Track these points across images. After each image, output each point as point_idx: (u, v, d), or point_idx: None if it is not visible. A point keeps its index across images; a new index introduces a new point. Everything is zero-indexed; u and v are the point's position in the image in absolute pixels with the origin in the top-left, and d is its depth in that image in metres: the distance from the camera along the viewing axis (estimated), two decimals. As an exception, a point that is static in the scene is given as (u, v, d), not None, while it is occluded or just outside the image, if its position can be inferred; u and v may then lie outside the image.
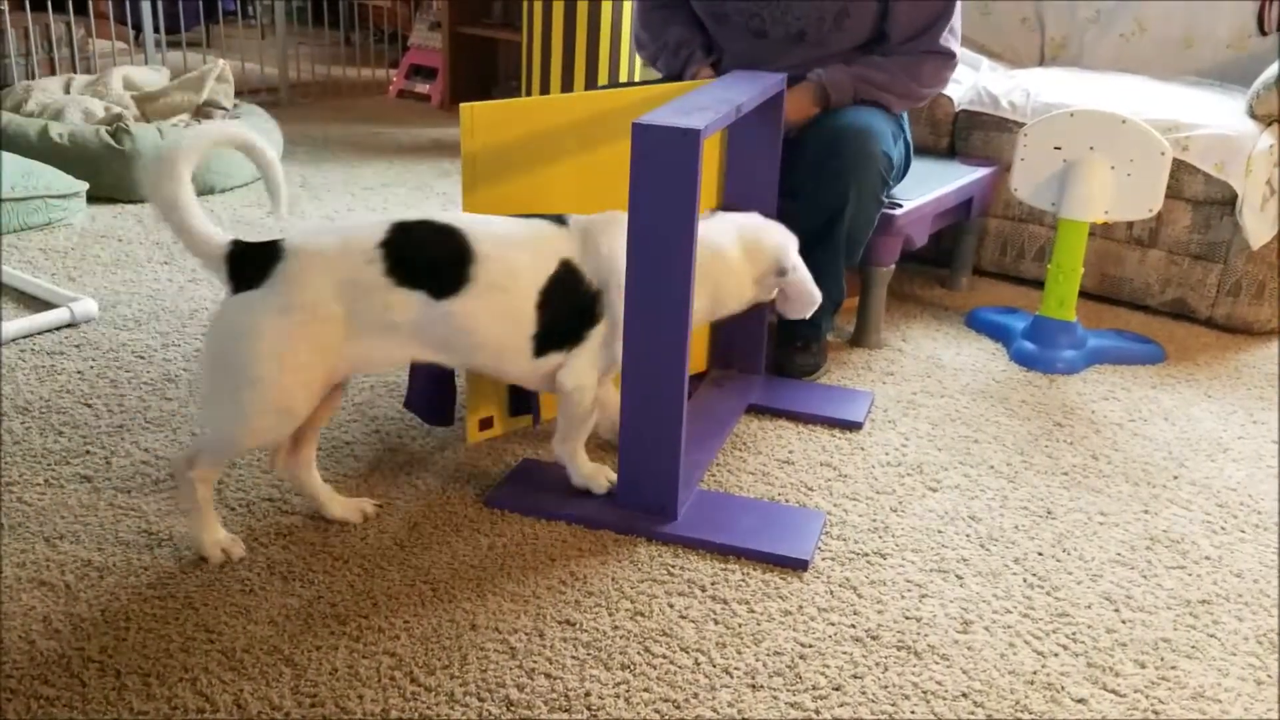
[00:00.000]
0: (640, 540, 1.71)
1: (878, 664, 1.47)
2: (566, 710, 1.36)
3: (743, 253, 1.81)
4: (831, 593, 1.62)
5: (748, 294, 1.85)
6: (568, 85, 3.84)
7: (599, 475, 1.80)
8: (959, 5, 2.30)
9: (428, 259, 1.58)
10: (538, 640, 1.48)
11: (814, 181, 2.19)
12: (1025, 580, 1.67)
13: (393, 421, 2.04)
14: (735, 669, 1.45)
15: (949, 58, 2.31)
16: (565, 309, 1.66)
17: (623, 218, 1.66)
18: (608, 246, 1.68)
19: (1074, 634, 1.56)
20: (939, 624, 1.56)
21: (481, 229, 1.63)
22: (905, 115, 2.42)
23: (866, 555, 1.72)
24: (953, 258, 2.91)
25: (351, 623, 1.49)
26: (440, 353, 1.64)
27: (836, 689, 1.42)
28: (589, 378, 1.71)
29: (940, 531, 1.79)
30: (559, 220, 1.70)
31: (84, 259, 2.77)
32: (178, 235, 1.53)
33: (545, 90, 3.84)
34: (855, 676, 1.45)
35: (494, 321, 1.62)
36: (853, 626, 1.55)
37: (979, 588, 1.65)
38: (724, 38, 2.35)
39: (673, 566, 1.65)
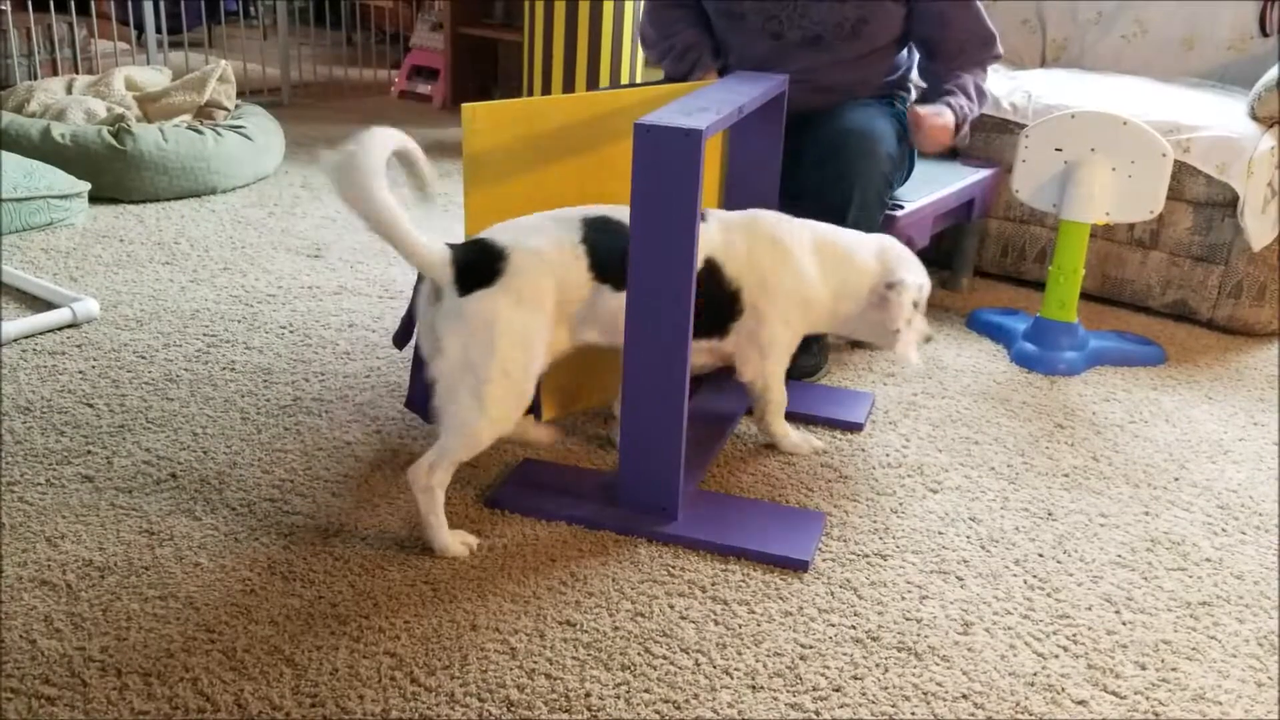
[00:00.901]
0: (641, 541, 1.71)
1: (878, 665, 1.47)
2: (567, 711, 1.36)
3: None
4: (832, 594, 1.62)
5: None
6: (569, 86, 3.84)
7: (805, 443, 2.02)
8: None
9: (612, 255, 1.69)
10: (538, 641, 1.48)
11: (817, 183, 2.19)
12: (1026, 582, 1.67)
13: (394, 421, 2.04)
14: (735, 670, 1.45)
15: (999, 59, 2.40)
16: (707, 301, 1.77)
17: (763, 221, 1.84)
18: (747, 249, 1.82)
19: (1074, 635, 1.56)
20: (939, 625, 1.56)
21: None
22: (907, 115, 2.42)
23: (867, 556, 1.72)
24: (954, 259, 2.91)
25: (352, 623, 1.50)
26: (609, 338, 1.75)
27: (837, 690, 1.42)
28: (761, 367, 1.89)
29: (941, 533, 1.79)
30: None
31: (86, 259, 2.78)
32: (399, 249, 1.56)
33: (546, 91, 3.84)
34: (855, 678, 1.45)
35: None
36: (853, 628, 1.55)
37: (979, 589, 1.65)
38: (738, 37, 2.34)
39: (673, 567, 1.66)
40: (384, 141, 1.52)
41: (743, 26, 2.32)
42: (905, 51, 2.43)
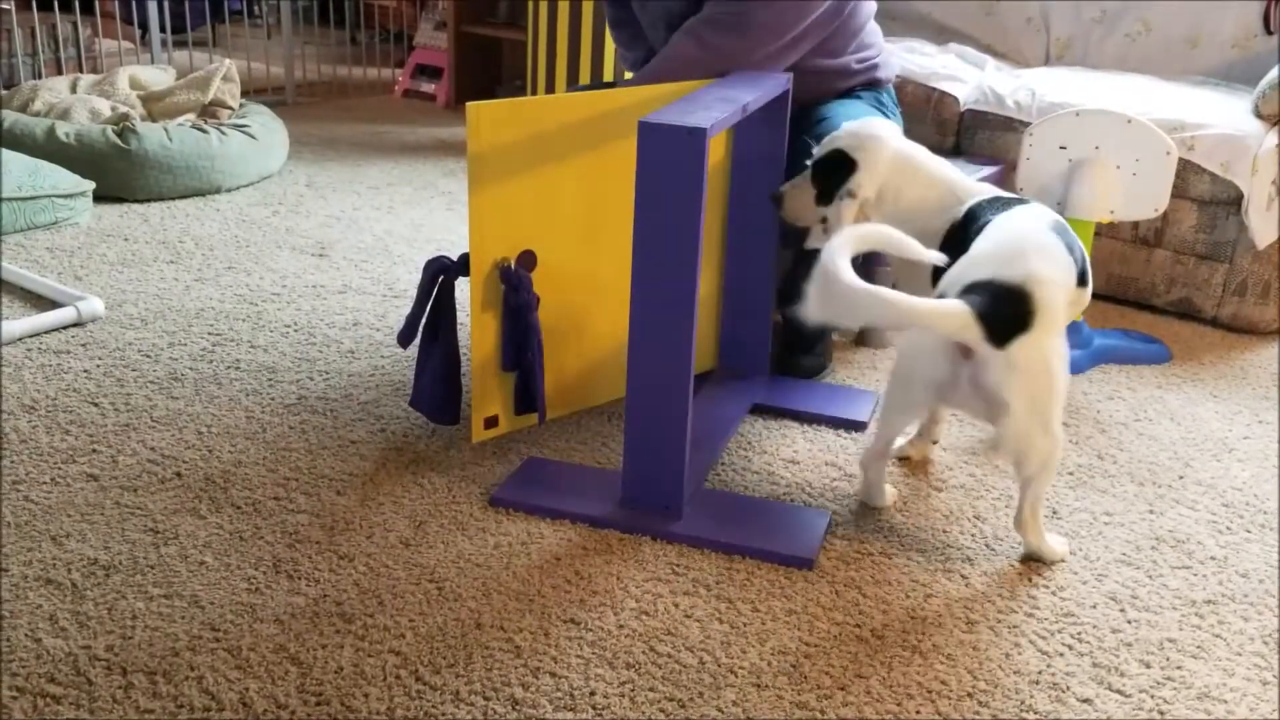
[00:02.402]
0: (645, 539, 1.71)
1: (882, 663, 1.47)
2: (572, 709, 1.36)
3: None
4: (836, 592, 1.62)
5: None
6: (572, 84, 3.84)
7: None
8: None
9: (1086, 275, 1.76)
10: (543, 639, 1.48)
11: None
12: (1030, 580, 1.67)
13: (399, 420, 2.05)
14: (740, 668, 1.45)
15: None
16: None
17: None
18: None
19: (1079, 634, 1.56)
20: (944, 623, 1.56)
21: None
22: (898, 114, 2.41)
23: (871, 555, 1.72)
24: (958, 257, 2.90)
25: (357, 621, 1.50)
26: None
27: (841, 688, 1.42)
28: None
29: (945, 531, 1.79)
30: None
31: (90, 258, 2.78)
32: (915, 324, 1.64)
33: (550, 89, 3.85)
34: (860, 676, 1.45)
35: None
36: (857, 626, 1.55)
37: (984, 587, 1.65)
38: (660, 38, 2.29)
39: (678, 566, 1.66)
40: (846, 244, 1.57)
41: (660, 28, 2.25)
42: (869, 43, 2.31)
